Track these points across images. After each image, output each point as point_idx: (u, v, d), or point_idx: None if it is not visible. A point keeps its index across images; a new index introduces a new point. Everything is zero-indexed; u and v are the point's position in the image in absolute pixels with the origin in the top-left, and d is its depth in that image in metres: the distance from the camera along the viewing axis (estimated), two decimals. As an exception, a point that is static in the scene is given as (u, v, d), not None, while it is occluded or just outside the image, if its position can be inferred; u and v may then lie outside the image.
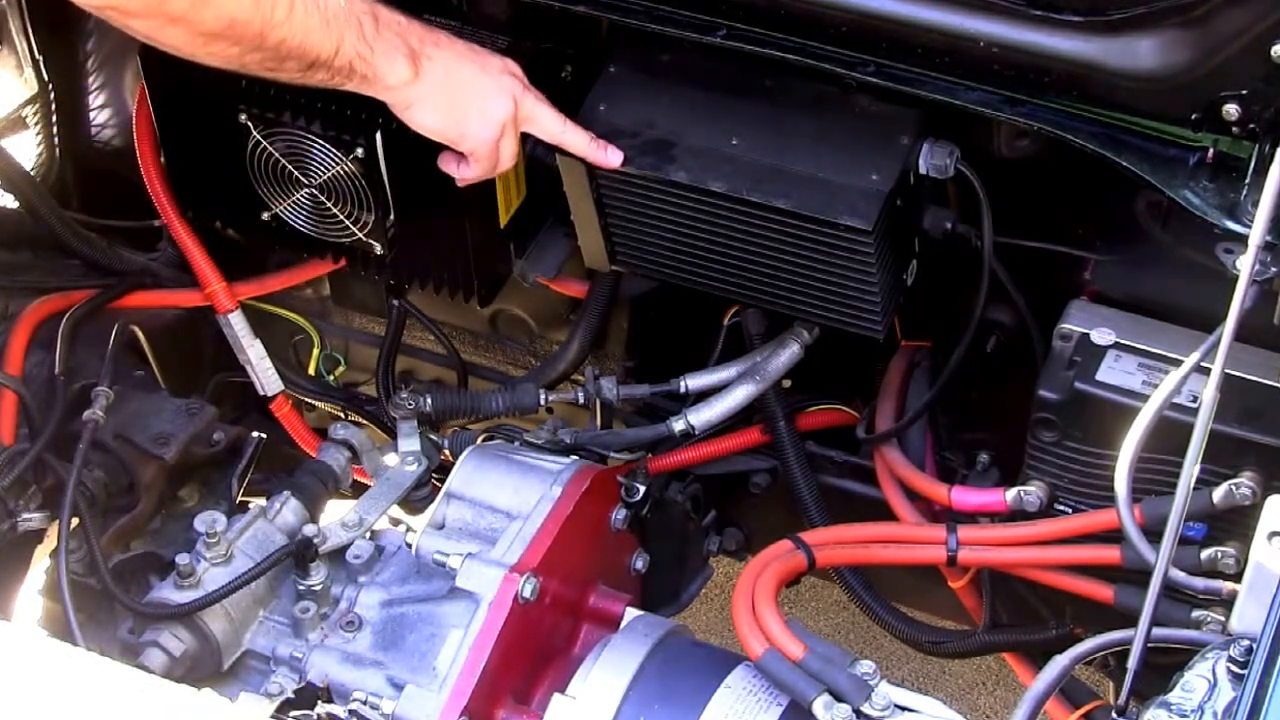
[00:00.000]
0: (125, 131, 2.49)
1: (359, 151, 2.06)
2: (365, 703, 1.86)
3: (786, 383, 2.26)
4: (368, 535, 2.08)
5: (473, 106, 1.94)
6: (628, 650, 1.95)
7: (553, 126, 2.00)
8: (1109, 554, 1.95)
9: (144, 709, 1.42)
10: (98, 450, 2.12)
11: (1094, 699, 2.10)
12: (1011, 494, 2.01)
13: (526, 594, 1.91)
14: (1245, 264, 1.52)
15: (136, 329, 2.35)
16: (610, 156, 2.01)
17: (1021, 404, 1.97)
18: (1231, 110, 1.75)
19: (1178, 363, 1.75)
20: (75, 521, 2.04)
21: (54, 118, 2.47)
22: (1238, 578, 1.74)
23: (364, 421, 2.49)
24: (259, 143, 2.12)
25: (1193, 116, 1.78)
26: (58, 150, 2.48)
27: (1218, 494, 1.86)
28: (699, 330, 2.27)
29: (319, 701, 1.85)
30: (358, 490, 2.21)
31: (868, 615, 2.30)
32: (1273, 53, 1.70)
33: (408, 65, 1.89)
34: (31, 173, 2.39)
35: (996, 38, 1.81)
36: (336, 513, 2.12)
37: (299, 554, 1.97)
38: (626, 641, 1.97)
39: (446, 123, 1.95)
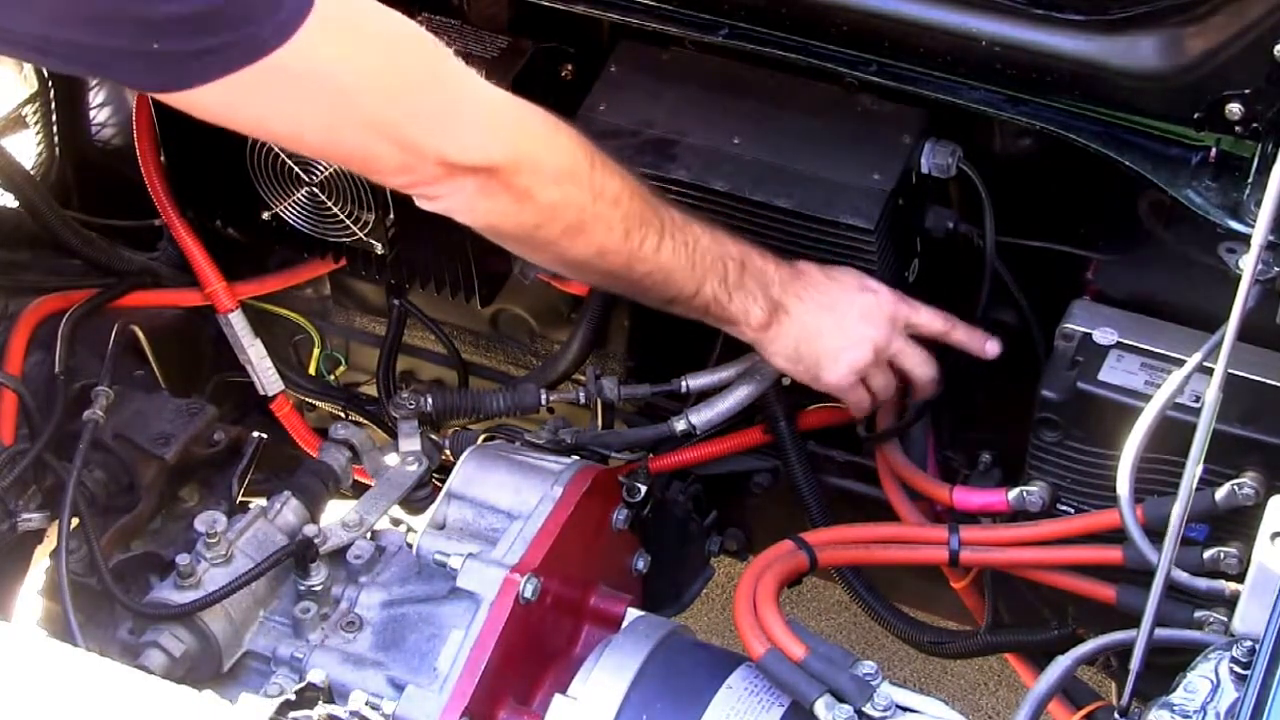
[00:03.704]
0: (125, 131, 2.48)
1: (359, 151, 2.05)
2: (366, 703, 1.85)
3: (787, 381, 2.26)
4: (368, 535, 2.07)
5: (824, 357, 1.98)
6: (629, 651, 1.95)
7: (937, 333, 2.04)
8: (1111, 554, 1.95)
9: (144, 709, 1.42)
10: (98, 450, 2.11)
11: (1096, 699, 2.10)
12: (1014, 494, 2.01)
13: (527, 594, 1.90)
14: (1248, 263, 1.51)
15: (136, 329, 2.35)
16: (989, 347, 2.05)
17: (1024, 404, 1.97)
18: (1234, 109, 1.75)
19: (1180, 362, 1.74)
20: (75, 521, 2.04)
21: (54, 117, 2.46)
22: (1240, 578, 1.73)
23: (365, 421, 2.49)
24: (259, 142, 2.12)
25: (1195, 115, 1.78)
26: (58, 150, 2.47)
27: (1220, 494, 1.86)
28: (700, 330, 2.26)
29: (319, 702, 1.85)
30: (358, 490, 2.21)
31: (869, 615, 2.30)
32: (1275, 52, 1.70)
33: (763, 314, 1.92)
34: (31, 172, 2.39)
35: (999, 37, 1.81)
36: (337, 513, 2.12)
37: (299, 554, 1.97)
38: (628, 642, 1.97)
39: (798, 369, 2.00)
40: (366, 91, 1.61)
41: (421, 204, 1.76)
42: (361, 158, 1.70)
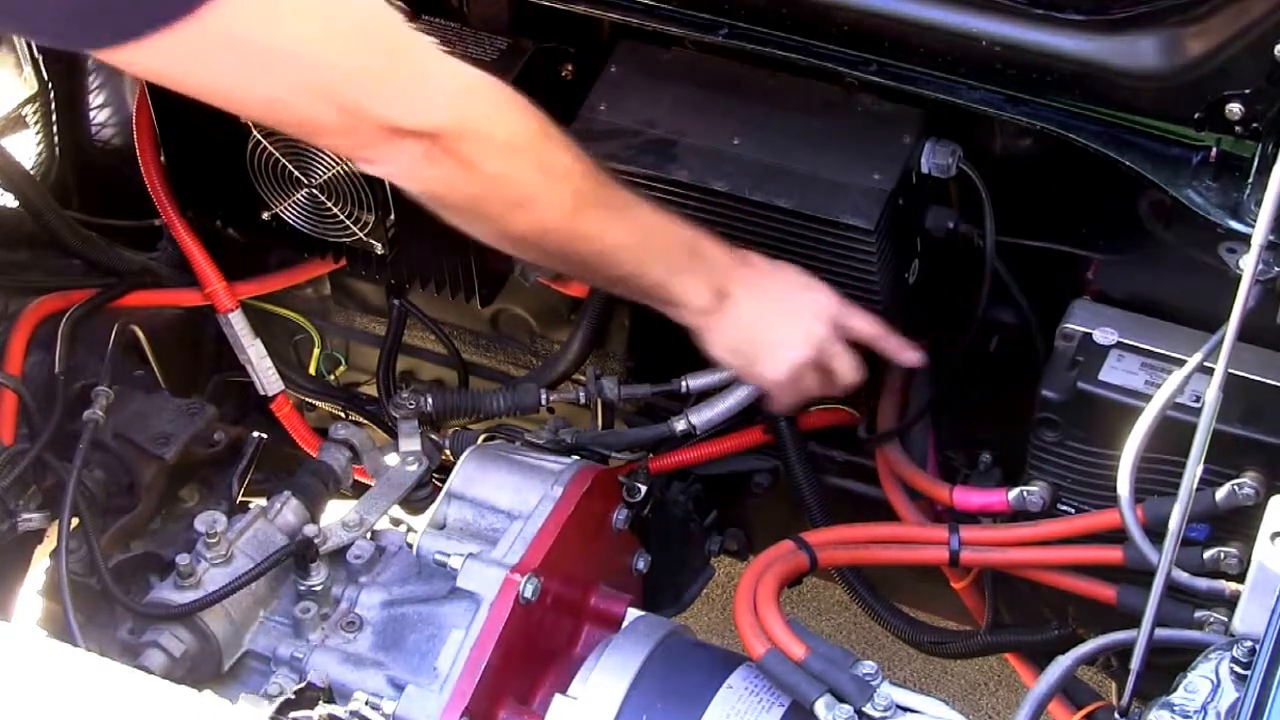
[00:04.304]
0: (125, 131, 2.48)
1: (359, 151, 2.05)
2: (366, 703, 1.85)
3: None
4: (368, 535, 2.07)
5: (765, 350, 1.97)
6: (629, 650, 1.95)
7: (869, 337, 2.03)
8: (1112, 554, 1.95)
9: (144, 710, 1.42)
10: (98, 450, 2.11)
11: (1096, 699, 2.10)
12: (1014, 494, 2.01)
13: (528, 594, 1.90)
14: (1248, 263, 1.51)
15: (136, 329, 2.35)
16: (909, 356, 2.05)
17: (1024, 404, 1.97)
18: (1234, 109, 1.75)
19: (1180, 362, 1.74)
20: (75, 521, 2.04)
21: (54, 117, 2.46)
22: (1241, 578, 1.73)
23: (365, 421, 2.49)
24: (259, 142, 2.12)
25: (1195, 115, 1.78)
26: (58, 150, 2.47)
27: (1220, 494, 1.86)
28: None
29: (320, 702, 1.85)
30: (358, 490, 2.21)
31: (869, 615, 2.30)
32: (1275, 51, 1.70)
33: (709, 300, 1.91)
34: (31, 172, 2.39)
35: (999, 37, 1.81)
36: (337, 513, 2.12)
37: (299, 554, 1.97)
38: (628, 642, 1.97)
39: (736, 359, 1.98)
40: (306, 51, 1.58)
41: (363, 168, 1.73)
42: (302, 119, 1.66)
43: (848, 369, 2.02)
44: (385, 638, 1.94)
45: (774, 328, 1.96)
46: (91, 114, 2.52)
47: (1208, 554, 1.91)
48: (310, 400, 2.56)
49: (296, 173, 2.13)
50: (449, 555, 1.94)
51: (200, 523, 1.98)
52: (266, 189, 2.18)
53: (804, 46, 1.91)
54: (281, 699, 1.87)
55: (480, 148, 1.71)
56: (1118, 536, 1.90)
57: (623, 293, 1.93)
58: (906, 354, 2.06)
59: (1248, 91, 1.73)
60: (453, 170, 1.71)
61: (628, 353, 2.43)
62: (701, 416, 2.17)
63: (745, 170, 1.98)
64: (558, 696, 1.92)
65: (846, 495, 2.32)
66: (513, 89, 1.75)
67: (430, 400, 2.25)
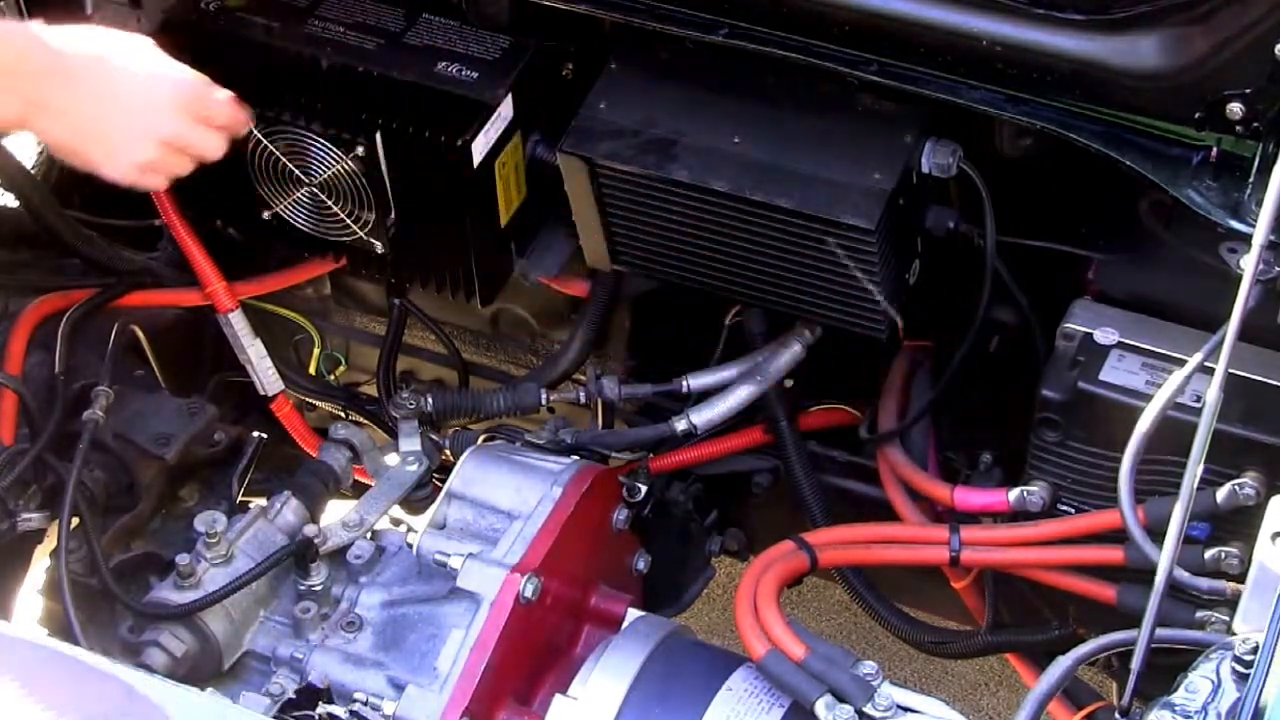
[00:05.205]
0: (125, 131, 2.47)
1: (359, 150, 2.05)
2: (366, 703, 1.85)
3: (789, 382, 2.26)
4: (368, 535, 2.07)
5: (100, 153, 1.87)
6: (629, 651, 1.95)
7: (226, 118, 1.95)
8: (1112, 554, 1.95)
9: (144, 709, 1.42)
10: (98, 450, 2.11)
11: (1097, 700, 2.10)
12: (1014, 494, 2.01)
13: (528, 594, 1.90)
14: (1249, 263, 1.51)
15: (136, 329, 2.34)
16: (241, 117, 1.96)
17: (1024, 404, 1.97)
18: (1235, 109, 1.75)
19: (1181, 362, 1.74)
20: (75, 521, 2.04)
21: (54, 116, 2.46)
22: (1242, 578, 1.73)
23: (365, 421, 2.48)
24: (259, 141, 2.12)
25: (1196, 115, 1.78)
26: (58, 149, 2.47)
27: (1221, 494, 1.86)
28: (701, 330, 2.26)
29: (320, 702, 1.85)
30: (358, 490, 2.21)
31: (870, 616, 2.30)
32: (1276, 51, 1.70)
33: (20, 111, 1.82)
34: (32, 172, 2.39)
35: (999, 36, 1.81)
36: (337, 513, 2.12)
37: (300, 554, 1.97)
38: (628, 642, 1.97)
39: (75, 161, 1.89)
40: None
41: None
42: None
43: (212, 150, 1.94)
44: (385, 638, 1.94)
45: (105, 131, 1.87)
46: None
47: (1209, 554, 1.91)
48: (310, 400, 2.56)
49: (297, 171, 2.13)
50: (449, 555, 1.94)
51: (200, 523, 1.99)
52: (267, 188, 2.17)
53: (804, 46, 1.91)
54: (282, 699, 1.87)
55: None
56: (1118, 536, 1.90)
57: None
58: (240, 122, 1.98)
59: (1248, 91, 1.73)
60: None
61: (628, 353, 2.43)
62: (702, 416, 2.17)
63: (745, 170, 1.98)
64: (558, 697, 1.92)
65: (847, 495, 2.32)
66: None
67: (430, 400, 2.25)
